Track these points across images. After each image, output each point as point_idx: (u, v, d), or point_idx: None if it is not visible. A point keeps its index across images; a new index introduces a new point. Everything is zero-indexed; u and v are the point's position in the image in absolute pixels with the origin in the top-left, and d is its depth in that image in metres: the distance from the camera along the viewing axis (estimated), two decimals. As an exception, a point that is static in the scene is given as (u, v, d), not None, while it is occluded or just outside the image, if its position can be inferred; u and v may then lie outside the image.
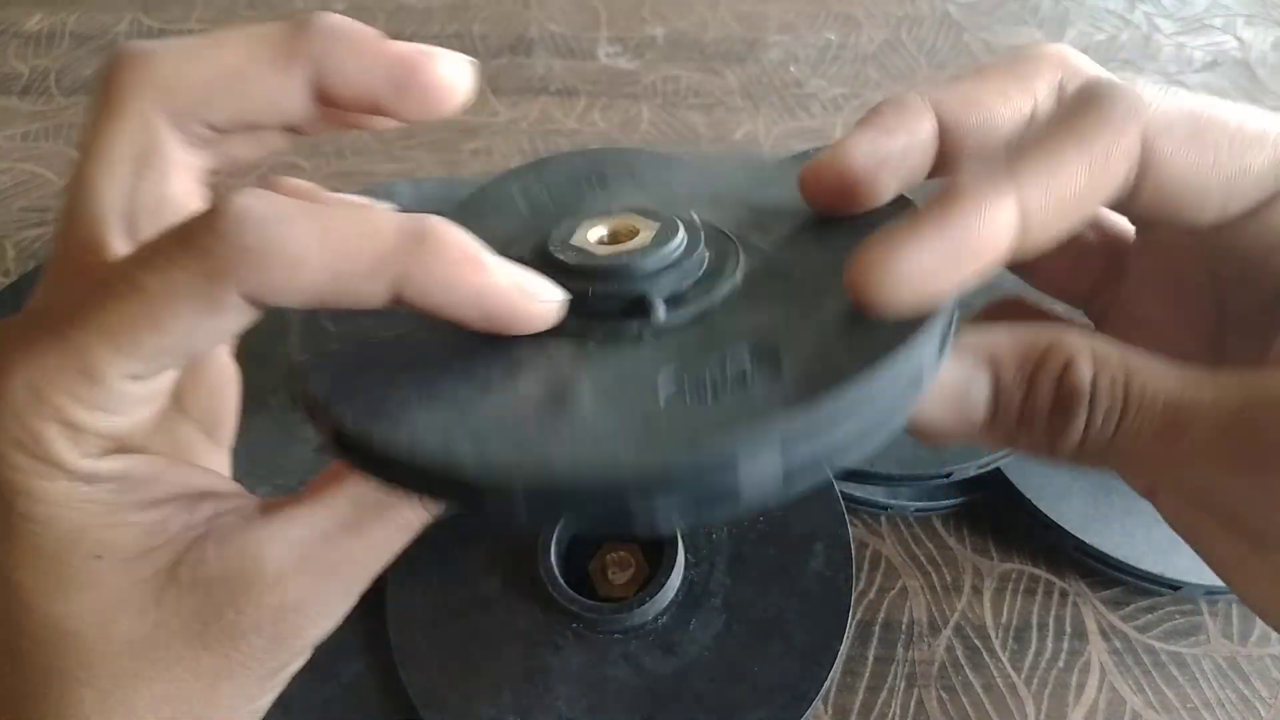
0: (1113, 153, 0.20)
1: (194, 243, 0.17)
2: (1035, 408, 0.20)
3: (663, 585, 0.37)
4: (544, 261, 0.22)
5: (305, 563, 0.20)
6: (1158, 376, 0.19)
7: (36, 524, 0.19)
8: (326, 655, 0.41)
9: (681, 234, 0.23)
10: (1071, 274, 0.27)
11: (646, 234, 0.23)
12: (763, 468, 0.18)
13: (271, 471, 0.40)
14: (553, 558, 0.38)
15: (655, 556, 0.39)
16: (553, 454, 0.18)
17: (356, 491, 0.20)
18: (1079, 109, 0.20)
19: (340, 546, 0.20)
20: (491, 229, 0.22)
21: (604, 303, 0.22)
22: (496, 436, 0.18)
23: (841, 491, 0.42)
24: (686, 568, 0.39)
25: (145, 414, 0.20)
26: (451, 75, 0.21)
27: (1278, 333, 0.21)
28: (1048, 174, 0.19)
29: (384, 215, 0.18)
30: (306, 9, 0.88)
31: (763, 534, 0.40)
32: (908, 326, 0.19)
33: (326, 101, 0.21)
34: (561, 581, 0.37)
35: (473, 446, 0.18)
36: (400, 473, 0.18)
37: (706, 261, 0.23)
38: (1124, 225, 0.27)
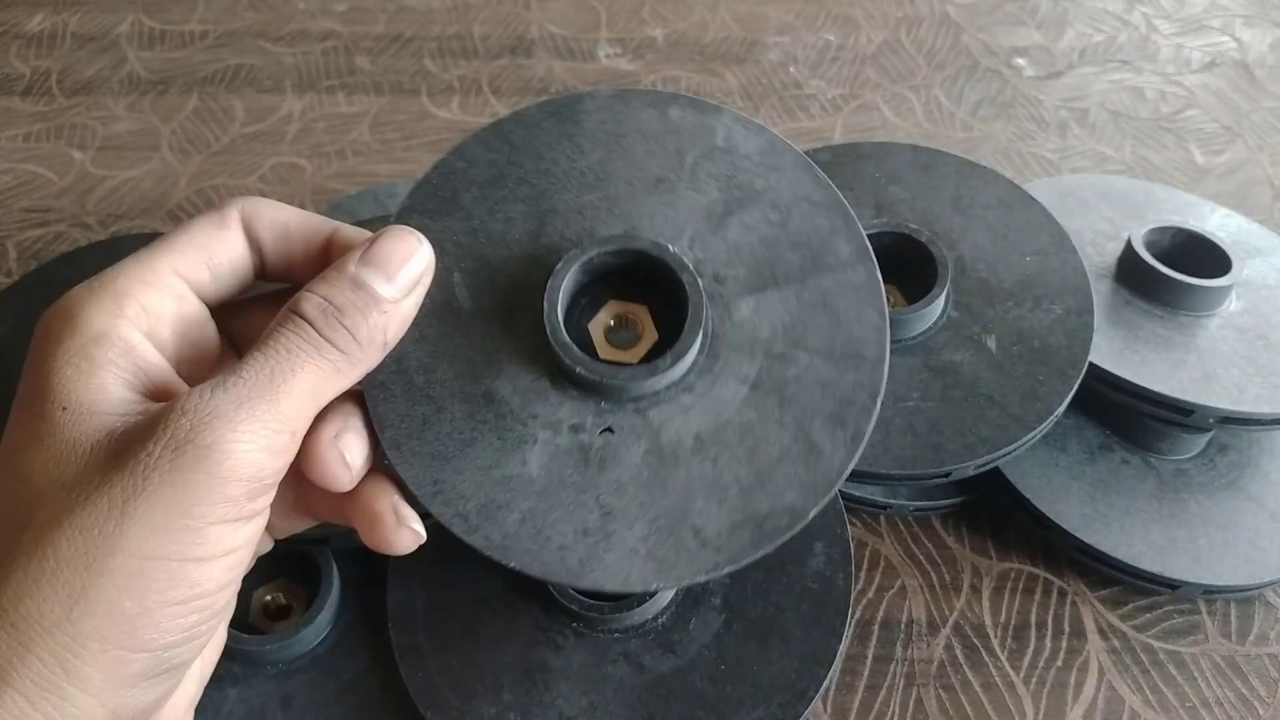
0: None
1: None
2: None
3: (662, 584, 0.37)
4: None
5: (209, 398, 0.23)
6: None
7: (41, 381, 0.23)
8: (327, 654, 0.42)
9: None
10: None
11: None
12: None
13: (272, 471, 0.40)
14: (553, 557, 0.38)
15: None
16: None
17: (260, 357, 0.24)
18: None
19: (240, 396, 0.23)
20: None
21: None
22: None
23: (841, 491, 0.42)
24: (686, 567, 0.39)
25: (175, 308, 0.26)
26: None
27: None
28: None
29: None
30: (308, 9, 0.87)
31: (762, 533, 0.40)
32: None
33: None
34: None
35: None
36: None
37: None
38: None
